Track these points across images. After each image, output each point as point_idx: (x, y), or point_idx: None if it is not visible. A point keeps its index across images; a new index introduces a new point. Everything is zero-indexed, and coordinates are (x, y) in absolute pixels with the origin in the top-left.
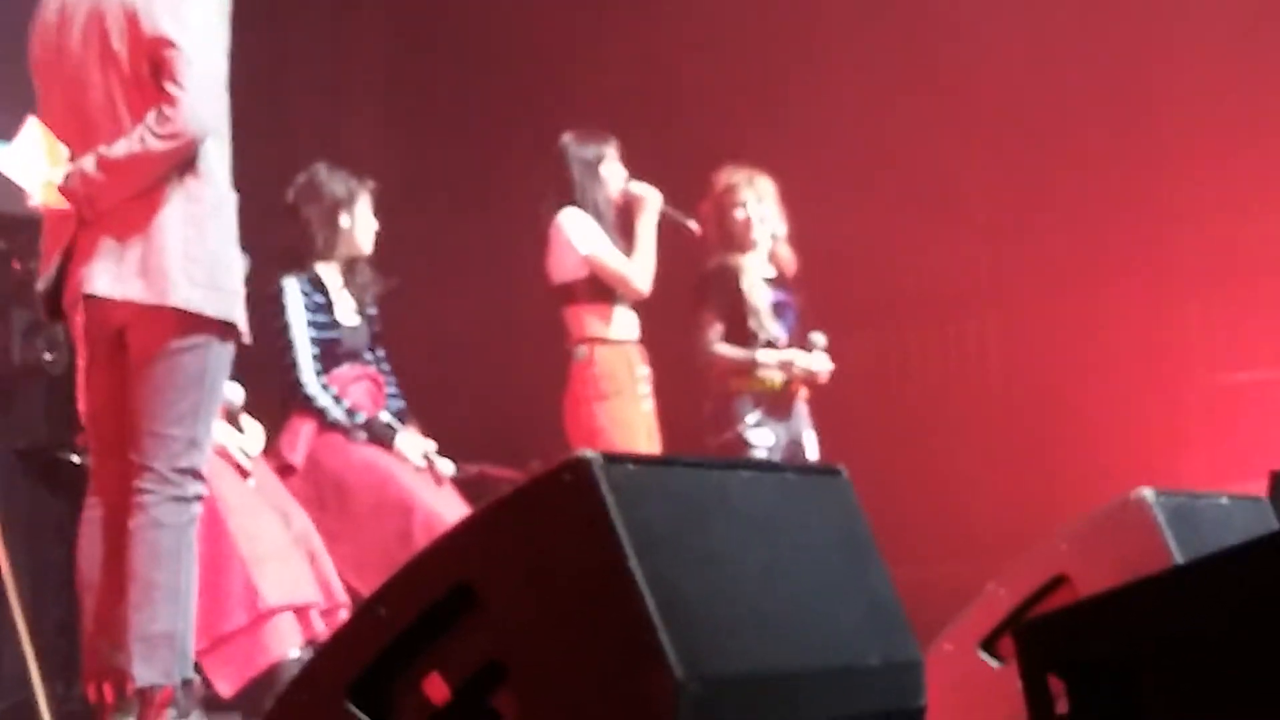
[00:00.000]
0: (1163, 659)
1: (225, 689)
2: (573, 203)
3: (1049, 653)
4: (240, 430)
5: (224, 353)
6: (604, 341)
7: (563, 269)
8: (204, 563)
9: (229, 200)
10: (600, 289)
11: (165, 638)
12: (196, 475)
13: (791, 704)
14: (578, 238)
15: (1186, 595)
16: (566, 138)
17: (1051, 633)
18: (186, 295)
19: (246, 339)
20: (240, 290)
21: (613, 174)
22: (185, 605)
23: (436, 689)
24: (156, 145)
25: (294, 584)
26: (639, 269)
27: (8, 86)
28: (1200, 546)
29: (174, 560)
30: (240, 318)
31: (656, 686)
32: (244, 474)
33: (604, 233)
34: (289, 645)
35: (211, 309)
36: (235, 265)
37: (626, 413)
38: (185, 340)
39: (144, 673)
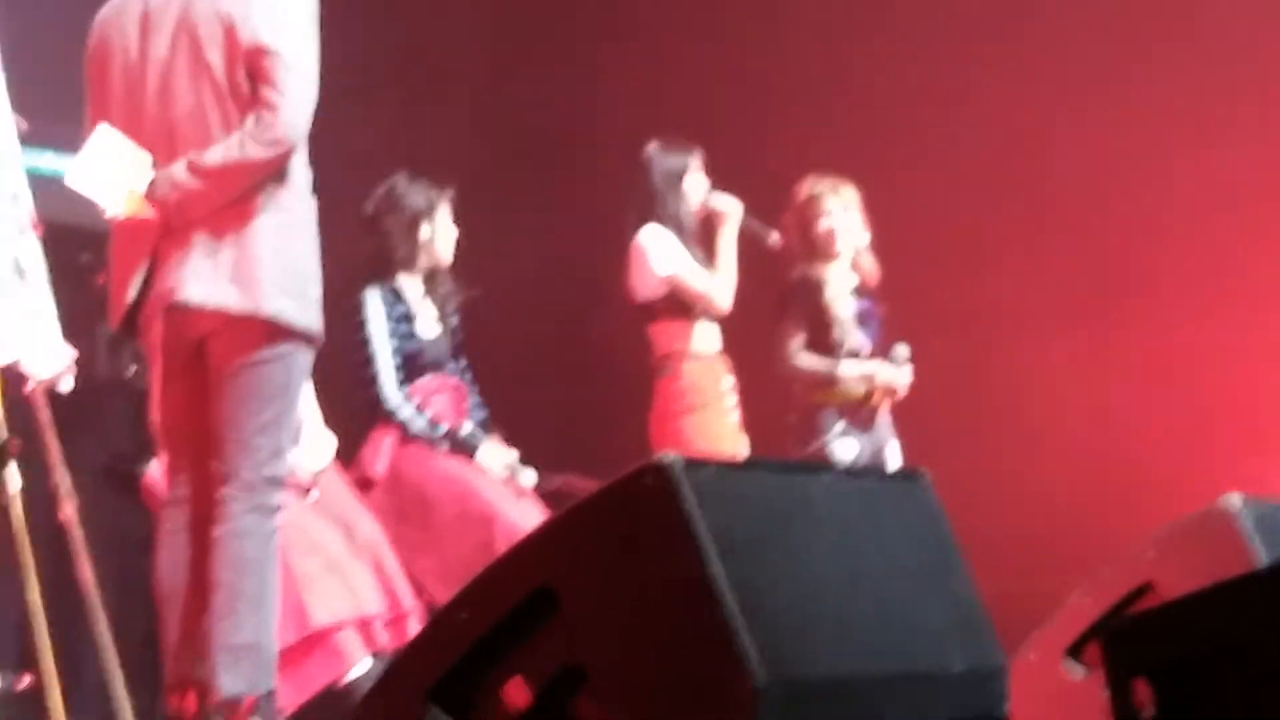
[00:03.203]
0: (1247, 661)
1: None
2: (654, 217)
3: (1135, 656)
4: (297, 444)
5: (306, 362)
6: (688, 355)
7: (644, 287)
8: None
9: (312, 209)
10: (681, 305)
11: (250, 648)
12: (280, 484)
13: (873, 709)
14: (657, 257)
15: (1272, 597)
16: (652, 148)
17: (1137, 636)
18: (279, 305)
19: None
20: (319, 301)
21: (696, 186)
22: (269, 615)
23: (518, 693)
24: (257, 152)
25: (350, 599)
26: (719, 285)
27: (61, 98)
28: None
29: (259, 569)
30: (320, 328)
31: (737, 691)
32: (302, 491)
33: (684, 248)
34: (350, 663)
35: (299, 320)
36: (317, 276)
37: (713, 425)
38: (272, 350)
39: (229, 683)
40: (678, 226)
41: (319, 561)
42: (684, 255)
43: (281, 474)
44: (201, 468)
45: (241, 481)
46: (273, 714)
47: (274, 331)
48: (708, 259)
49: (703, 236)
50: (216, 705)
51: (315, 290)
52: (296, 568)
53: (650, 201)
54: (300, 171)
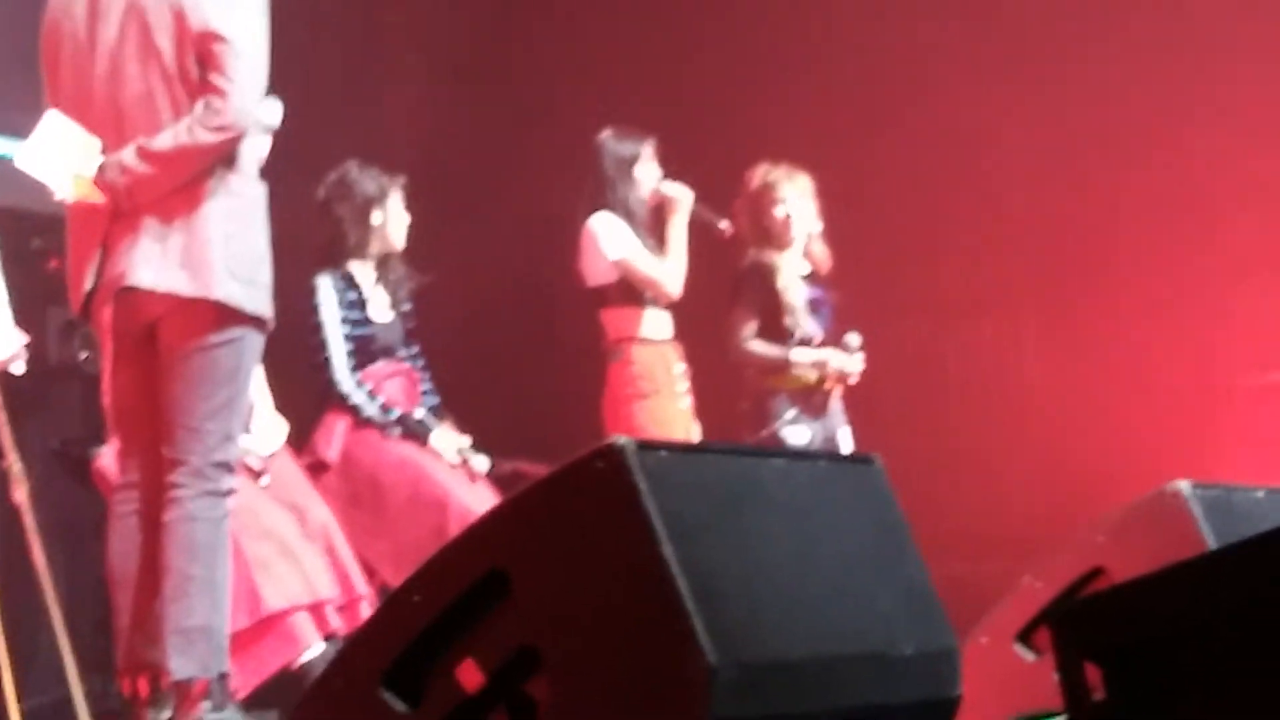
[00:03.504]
0: (1197, 644)
1: (235, 691)
2: (605, 204)
3: (1085, 639)
4: (248, 429)
5: (257, 346)
6: (640, 341)
7: (595, 273)
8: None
9: (262, 195)
10: (632, 291)
11: (202, 631)
12: (230, 469)
13: (825, 691)
14: (607, 243)
15: (1221, 580)
16: (604, 135)
17: (1087, 619)
18: (229, 289)
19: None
20: (269, 284)
21: (647, 173)
22: (220, 598)
23: (470, 675)
24: (205, 137)
25: (303, 582)
26: (669, 271)
27: (13, 85)
28: (1236, 539)
29: (210, 553)
30: (270, 313)
31: (690, 672)
32: (253, 475)
33: (635, 234)
34: (302, 646)
35: (250, 304)
36: (268, 260)
37: (665, 411)
38: (222, 334)
39: (180, 665)
40: (628, 213)
41: (272, 546)
42: (634, 241)
43: (232, 458)
44: (152, 452)
45: (191, 466)
46: (224, 697)
47: (224, 316)
48: (659, 246)
49: (654, 224)
50: (168, 688)
51: (266, 275)
52: (249, 551)
53: (601, 188)
54: (251, 156)
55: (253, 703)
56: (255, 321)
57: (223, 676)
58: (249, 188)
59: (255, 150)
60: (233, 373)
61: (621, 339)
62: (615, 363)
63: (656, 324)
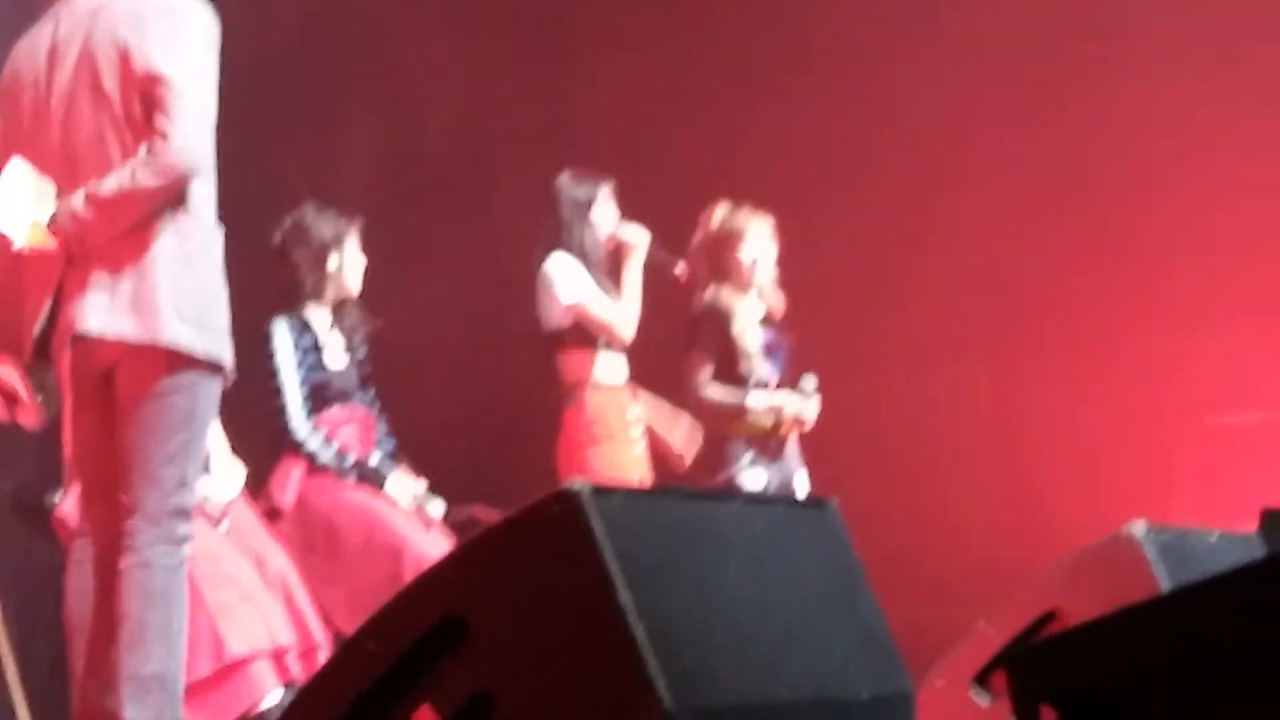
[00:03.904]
0: (1152, 686)
1: None
2: (561, 246)
3: (1041, 681)
4: (207, 474)
5: (212, 392)
6: (594, 386)
7: (549, 316)
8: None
9: (217, 238)
10: (587, 335)
11: (157, 679)
12: (187, 515)
13: None
14: (562, 286)
15: (1176, 622)
16: (562, 178)
17: (1043, 661)
18: (176, 333)
19: (231, 378)
20: (227, 329)
21: (605, 216)
22: (176, 646)
23: None
24: (148, 181)
25: (265, 629)
26: (624, 315)
27: None
28: (1191, 581)
29: (165, 601)
30: (228, 356)
31: (646, 717)
32: (213, 521)
33: (591, 277)
34: (262, 692)
35: (201, 347)
36: (223, 304)
37: (620, 456)
38: (175, 379)
39: (136, 714)
40: (584, 256)
41: (233, 592)
42: (589, 285)
43: (188, 505)
44: (110, 499)
45: (147, 513)
46: None
47: (175, 360)
48: (615, 289)
49: (611, 266)
50: None
51: (219, 318)
52: (210, 598)
53: (558, 231)
54: (203, 198)
55: None
56: (209, 366)
57: None
58: (200, 230)
59: (208, 192)
60: (188, 418)
61: (576, 382)
62: (570, 407)
63: (611, 368)
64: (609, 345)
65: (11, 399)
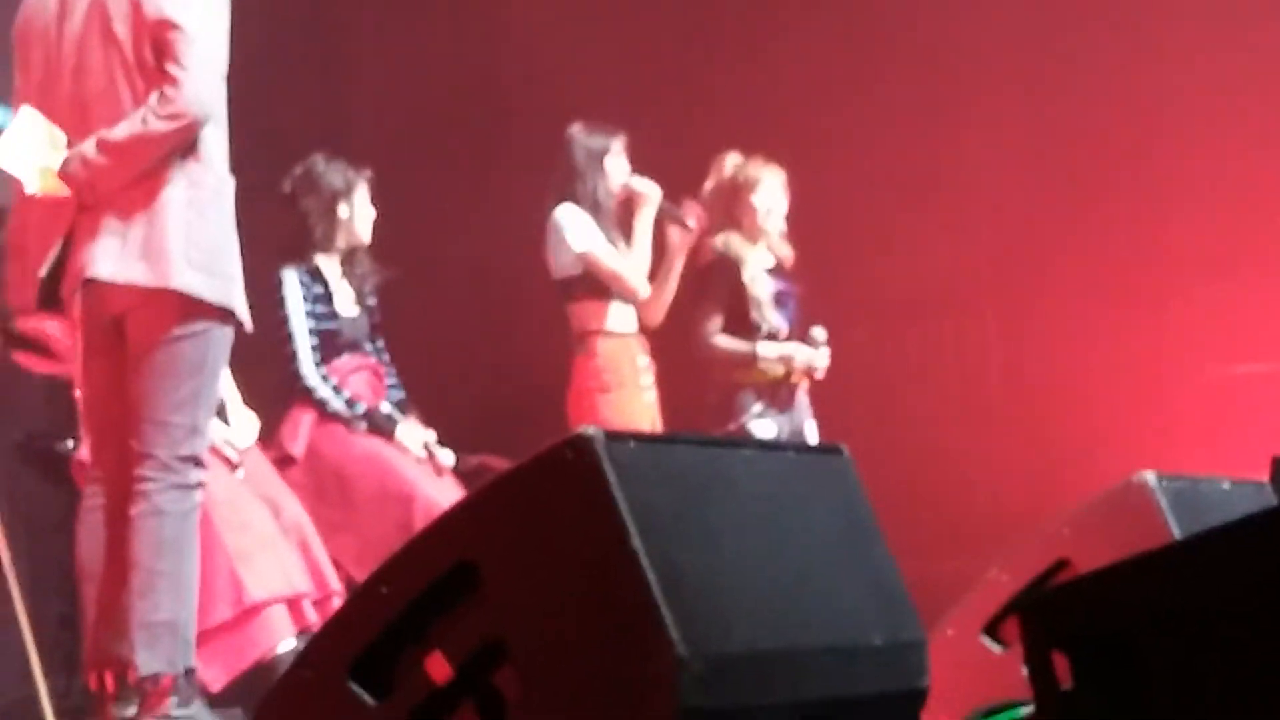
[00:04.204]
0: (1164, 633)
1: (214, 682)
2: (572, 196)
3: (1053, 628)
4: (227, 422)
5: (224, 339)
6: (605, 334)
7: (560, 265)
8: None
9: (228, 186)
10: (598, 284)
11: (168, 626)
12: (198, 463)
13: (794, 682)
14: (573, 235)
15: (1189, 568)
16: (575, 128)
17: (1055, 608)
18: (188, 279)
19: (248, 327)
20: (239, 277)
21: (616, 168)
22: (188, 593)
23: (438, 667)
24: (159, 127)
25: (282, 576)
26: (634, 266)
27: None
28: (1202, 530)
29: (176, 548)
30: (239, 304)
31: (659, 664)
32: (231, 466)
33: (601, 228)
34: (279, 638)
35: (211, 294)
36: (234, 251)
37: (630, 405)
38: (186, 327)
39: (147, 661)
40: (595, 207)
41: (251, 538)
42: (599, 235)
43: (199, 452)
44: (122, 446)
45: (158, 460)
46: (191, 692)
47: (187, 307)
48: (625, 241)
49: (622, 218)
50: (135, 683)
51: (230, 266)
52: (229, 543)
53: (570, 180)
54: (215, 146)
55: (217, 699)
56: (220, 313)
57: (189, 672)
58: (212, 178)
59: (220, 140)
60: (198, 365)
61: (586, 332)
62: (580, 356)
63: (621, 317)
64: (619, 294)
65: (56, 352)
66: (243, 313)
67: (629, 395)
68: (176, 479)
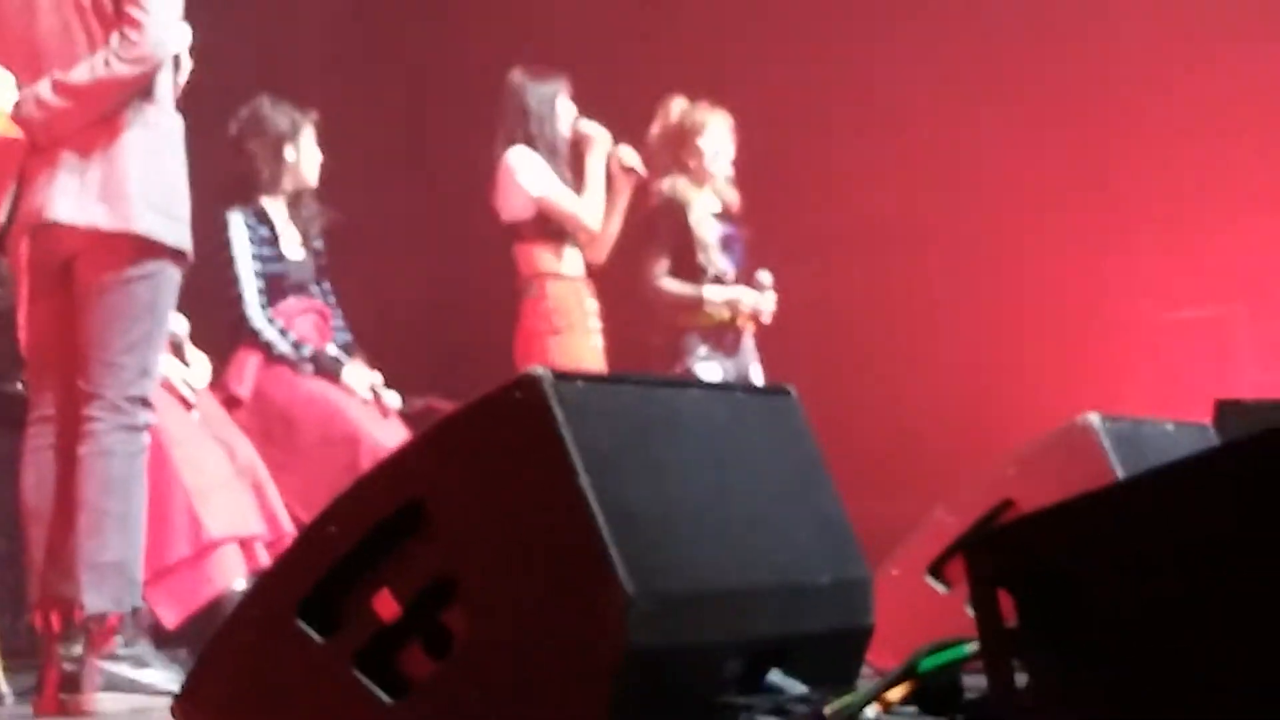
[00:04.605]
0: (1109, 570)
1: (169, 619)
2: (524, 139)
3: (998, 566)
4: (185, 363)
5: (174, 281)
6: (555, 277)
7: (512, 208)
8: (147, 494)
9: (179, 127)
10: (550, 228)
11: (115, 566)
12: (147, 404)
13: (740, 620)
14: (527, 178)
15: (1134, 507)
16: (518, 74)
17: (1000, 546)
18: (148, 222)
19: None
20: (185, 216)
21: (565, 111)
22: (135, 534)
23: (386, 606)
24: (122, 69)
25: (238, 516)
26: (589, 208)
27: None
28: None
29: (124, 488)
30: (189, 246)
31: (606, 602)
32: (188, 406)
33: (554, 171)
34: (233, 577)
35: (169, 237)
36: (185, 193)
37: (578, 347)
38: (140, 268)
39: (94, 600)
40: (549, 149)
41: (208, 478)
42: (553, 177)
43: (149, 393)
44: (69, 387)
45: (107, 401)
46: (136, 631)
47: (142, 249)
48: (576, 183)
49: (572, 161)
50: (81, 623)
51: (184, 208)
52: (188, 482)
53: (522, 123)
54: (165, 87)
55: (164, 640)
56: (174, 254)
57: (135, 611)
58: (165, 120)
59: (170, 82)
60: (149, 306)
61: (536, 275)
62: (529, 298)
63: (571, 261)
64: (571, 237)
65: None
66: (190, 253)
67: (578, 338)
68: (125, 419)
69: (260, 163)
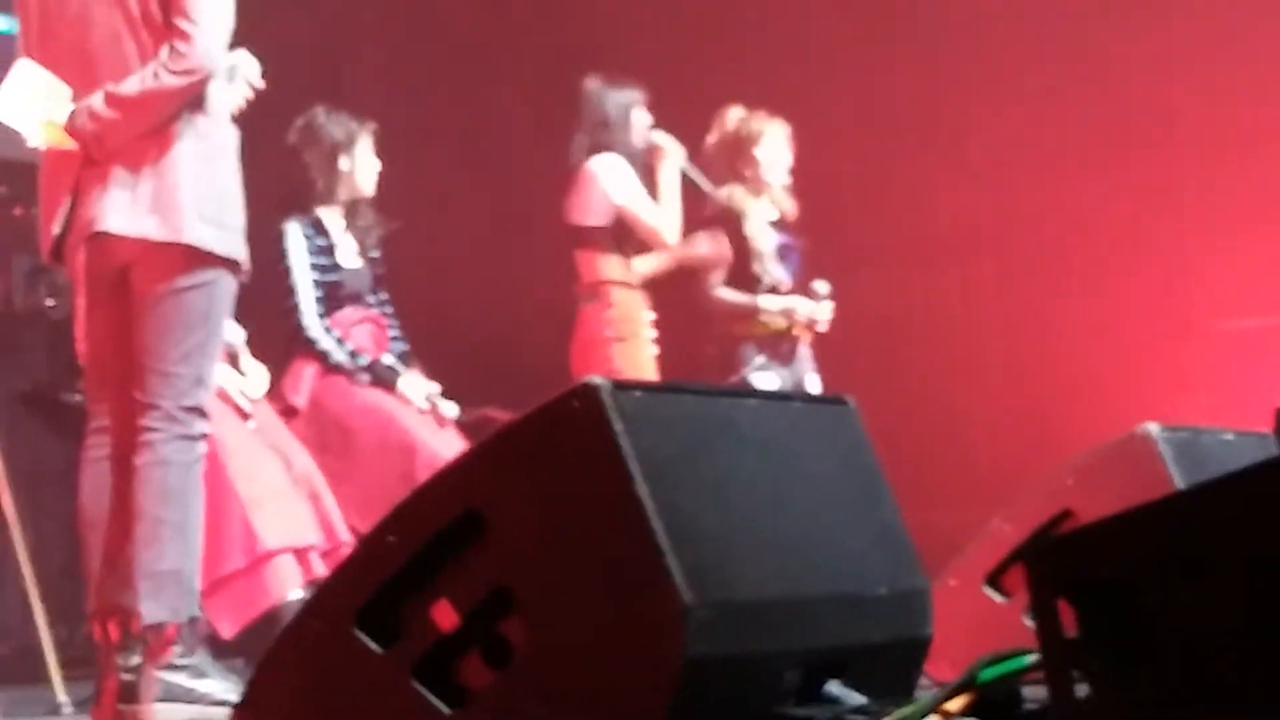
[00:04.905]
0: (1170, 580)
1: (226, 630)
2: (609, 146)
3: (1058, 575)
4: (241, 373)
5: (229, 290)
6: (622, 285)
7: (591, 213)
8: (204, 504)
9: (233, 138)
10: (622, 235)
11: (172, 575)
12: (202, 413)
13: (799, 630)
14: (613, 185)
15: (1193, 517)
16: (595, 82)
17: (1061, 555)
18: (200, 233)
19: (245, 278)
20: (239, 226)
21: (639, 121)
22: (192, 543)
23: (445, 615)
24: (171, 81)
25: (294, 526)
26: (669, 220)
27: None
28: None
29: (181, 498)
30: (244, 256)
31: (664, 611)
32: (244, 416)
33: (638, 181)
34: (289, 587)
35: (221, 247)
36: (239, 203)
37: (639, 355)
38: (193, 278)
39: (151, 610)
40: (630, 158)
41: (263, 488)
42: (638, 186)
43: (204, 402)
44: (125, 396)
45: (164, 410)
46: (194, 641)
47: (195, 258)
48: (650, 194)
49: (644, 172)
50: (138, 633)
51: (237, 218)
52: (243, 492)
53: (604, 131)
54: (219, 98)
55: (221, 650)
56: (227, 264)
57: (193, 621)
58: (218, 131)
59: (226, 94)
60: (204, 316)
61: (601, 282)
62: (591, 305)
63: (636, 269)
64: (639, 247)
65: None
66: (245, 263)
67: (639, 347)
68: (181, 429)
69: (316, 173)
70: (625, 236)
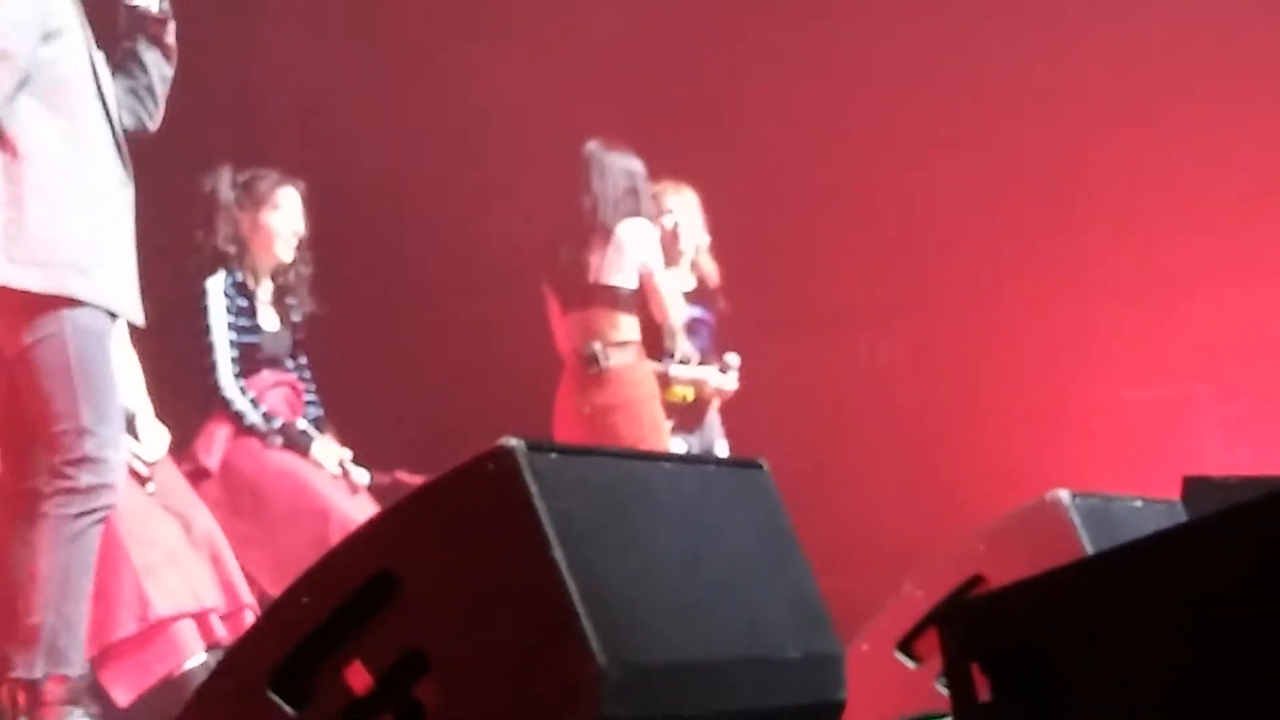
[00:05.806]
0: (1081, 645)
1: (121, 698)
2: (636, 212)
3: (971, 639)
4: (136, 437)
5: (88, 330)
6: (640, 347)
7: (618, 275)
8: (95, 561)
9: (64, 174)
10: (627, 301)
11: (53, 629)
12: (91, 464)
13: (713, 693)
14: (648, 252)
15: (1104, 582)
16: (601, 148)
17: (974, 619)
18: (8, 275)
19: (129, 318)
20: (77, 263)
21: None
22: (78, 600)
23: (358, 678)
24: None
25: (190, 591)
26: (678, 295)
27: None
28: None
29: (65, 555)
30: (80, 290)
31: (579, 674)
32: (141, 480)
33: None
34: (187, 653)
35: (42, 285)
36: (65, 240)
37: (658, 415)
38: (37, 331)
39: (26, 666)
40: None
41: (159, 553)
42: (661, 258)
43: (93, 453)
44: (10, 455)
45: (44, 465)
46: (80, 697)
47: (30, 307)
48: None
49: None
50: (12, 686)
51: (59, 254)
52: (136, 558)
53: (632, 198)
54: (48, 138)
55: (123, 716)
56: (69, 304)
57: (81, 678)
58: (31, 171)
59: (75, 131)
60: (64, 368)
61: (631, 341)
62: (619, 366)
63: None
64: (653, 314)
65: None
66: (102, 300)
67: (657, 407)
68: (65, 484)
69: (241, 232)
70: (626, 302)
